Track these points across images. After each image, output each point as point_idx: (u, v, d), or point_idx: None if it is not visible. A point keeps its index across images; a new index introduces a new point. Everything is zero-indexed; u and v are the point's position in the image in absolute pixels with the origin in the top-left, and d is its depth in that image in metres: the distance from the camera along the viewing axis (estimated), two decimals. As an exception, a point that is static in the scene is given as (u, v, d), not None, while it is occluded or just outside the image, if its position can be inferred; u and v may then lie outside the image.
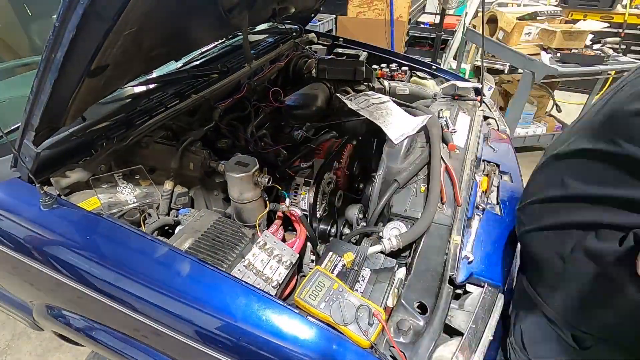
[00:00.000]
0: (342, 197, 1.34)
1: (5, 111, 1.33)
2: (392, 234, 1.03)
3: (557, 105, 3.37)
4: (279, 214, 1.13)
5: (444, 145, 1.25)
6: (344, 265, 0.95)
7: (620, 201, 0.71)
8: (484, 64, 3.60)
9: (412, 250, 1.03)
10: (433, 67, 1.91)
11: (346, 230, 1.32)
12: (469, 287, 0.95)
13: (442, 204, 1.08)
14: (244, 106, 1.56)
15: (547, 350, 0.89)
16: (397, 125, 1.26)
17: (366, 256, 0.98)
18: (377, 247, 0.99)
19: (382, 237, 1.05)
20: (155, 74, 1.46)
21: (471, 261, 0.98)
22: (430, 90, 1.72)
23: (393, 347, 0.76)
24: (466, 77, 3.56)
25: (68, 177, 1.00)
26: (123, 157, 1.15)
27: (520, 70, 3.04)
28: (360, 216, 1.26)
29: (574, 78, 3.00)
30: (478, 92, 1.70)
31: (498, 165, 1.39)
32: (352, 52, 2.01)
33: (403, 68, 1.89)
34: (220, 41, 1.78)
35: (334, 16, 4.12)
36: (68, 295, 0.96)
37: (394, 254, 1.03)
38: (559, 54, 2.68)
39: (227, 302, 0.78)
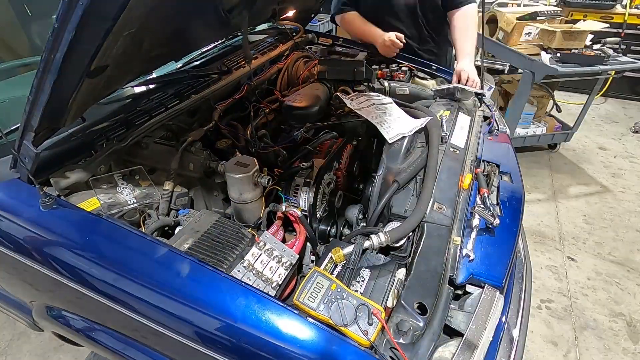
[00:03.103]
0: (342, 197, 1.34)
1: (5, 111, 1.33)
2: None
3: (557, 105, 3.37)
4: (279, 214, 1.13)
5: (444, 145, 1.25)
6: (343, 266, 0.94)
7: None
8: (484, 64, 3.60)
9: (412, 250, 1.03)
10: (433, 67, 1.90)
11: (346, 231, 1.31)
12: (468, 288, 0.95)
13: (443, 204, 1.08)
14: (244, 106, 1.56)
15: None
16: (394, 125, 1.26)
17: (359, 253, 0.97)
18: (366, 244, 0.99)
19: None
20: (155, 74, 1.46)
21: (472, 259, 0.97)
22: (430, 91, 1.72)
23: (394, 347, 0.76)
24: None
25: (68, 178, 1.00)
26: (123, 157, 1.15)
27: (520, 70, 3.04)
28: (360, 216, 1.26)
29: (574, 78, 3.00)
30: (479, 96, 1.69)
31: (498, 166, 1.39)
32: (348, 51, 2.00)
33: (403, 68, 1.89)
34: (220, 41, 1.78)
35: (334, 16, 4.10)
36: (67, 295, 0.96)
37: (397, 255, 1.03)
38: (559, 54, 2.68)
39: (226, 303, 0.78)
